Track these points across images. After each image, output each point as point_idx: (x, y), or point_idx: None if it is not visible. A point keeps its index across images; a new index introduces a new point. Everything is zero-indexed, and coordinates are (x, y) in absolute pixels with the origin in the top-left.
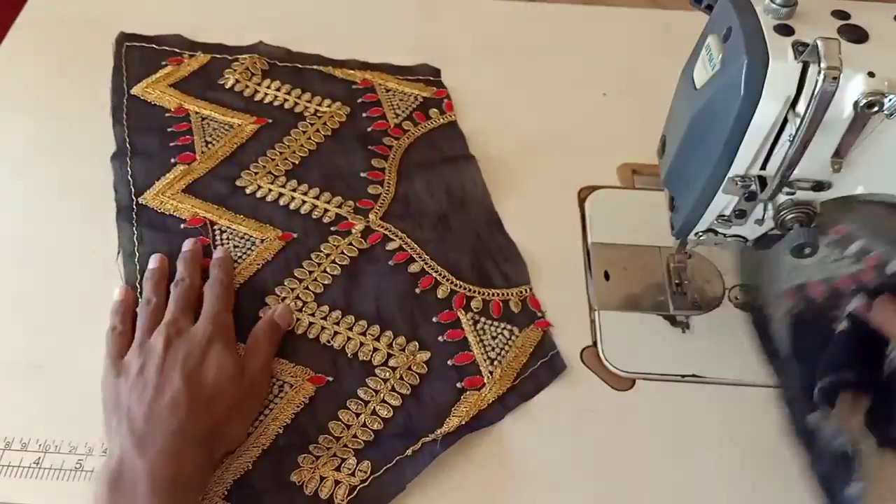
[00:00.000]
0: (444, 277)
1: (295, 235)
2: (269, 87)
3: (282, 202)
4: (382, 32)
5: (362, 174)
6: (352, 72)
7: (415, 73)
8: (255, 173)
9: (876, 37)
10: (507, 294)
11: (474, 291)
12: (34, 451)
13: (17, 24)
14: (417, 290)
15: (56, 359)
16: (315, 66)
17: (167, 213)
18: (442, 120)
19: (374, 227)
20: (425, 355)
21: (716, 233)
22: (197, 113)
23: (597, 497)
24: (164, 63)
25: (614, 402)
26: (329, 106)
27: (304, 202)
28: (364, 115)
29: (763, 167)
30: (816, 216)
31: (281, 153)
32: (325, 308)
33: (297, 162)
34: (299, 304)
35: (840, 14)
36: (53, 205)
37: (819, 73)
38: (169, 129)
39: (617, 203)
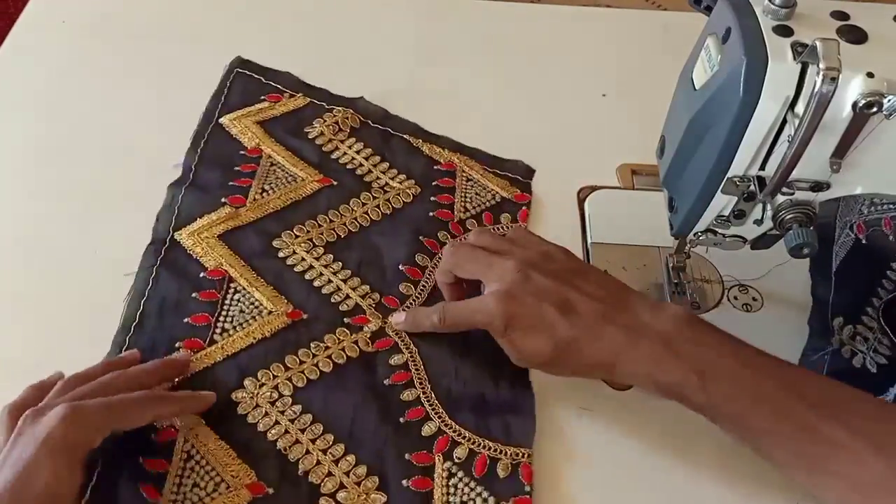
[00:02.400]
0: (436, 413)
1: (304, 316)
2: (350, 147)
3: (308, 276)
4: (382, 32)
5: (401, 267)
6: (440, 150)
7: (505, 168)
8: (297, 237)
9: (875, 37)
10: (501, 452)
11: (463, 437)
12: None
13: (18, 25)
14: (402, 420)
15: (56, 359)
16: (405, 135)
17: (195, 255)
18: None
19: (387, 332)
20: (381, 498)
21: (715, 233)
22: (269, 157)
23: (597, 497)
24: (262, 97)
25: (614, 401)
26: (402, 182)
27: (330, 281)
28: (432, 198)
29: (762, 168)
30: (816, 216)
31: (331, 221)
32: (298, 408)
33: (342, 234)
34: (275, 395)
35: (839, 15)
36: (53, 205)
37: (818, 73)
38: (236, 167)
39: (617, 203)
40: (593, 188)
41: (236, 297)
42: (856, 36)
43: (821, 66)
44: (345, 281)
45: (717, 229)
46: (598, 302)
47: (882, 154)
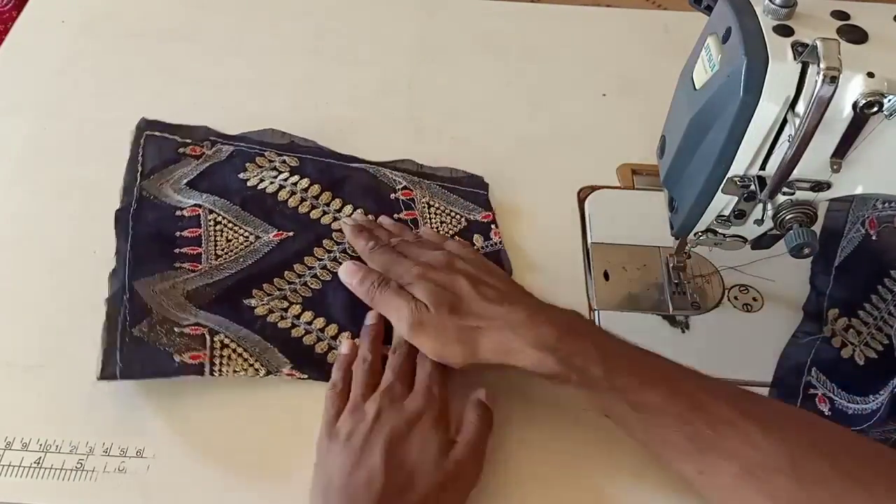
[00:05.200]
0: None
1: (299, 375)
2: (296, 186)
3: (294, 334)
4: (382, 32)
5: None
6: (392, 177)
7: (464, 184)
8: (269, 294)
9: (875, 37)
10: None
11: None
12: (34, 451)
13: (18, 25)
14: None
15: (56, 359)
16: (351, 164)
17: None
18: (486, 248)
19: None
20: None
21: (715, 233)
22: (211, 217)
23: (597, 497)
24: (182, 153)
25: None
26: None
27: (319, 340)
28: None
29: (762, 167)
30: (816, 216)
31: (300, 276)
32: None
33: (317, 288)
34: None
35: (839, 14)
36: (53, 205)
37: (818, 73)
38: (177, 234)
39: (617, 203)
40: (593, 188)
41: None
42: (856, 36)
43: (821, 65)
44: (334, 337)
45: (717, 229)
46: (506, 289)
47: (882, 154)
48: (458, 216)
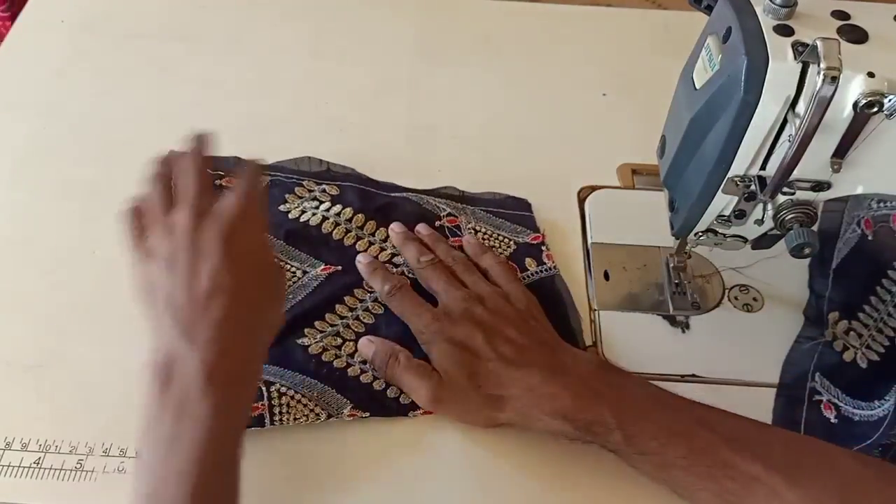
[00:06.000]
0: None
1: (361, 414)
2: (339, 216)
3: (351, 373)
4: (382, 32)
5: None
6: (436, 204)
7: (507, 207)
8: (321, 332)
9: (876, 37)
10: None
11: None
12: (34, 451)
13: (18, 24)
14: None
15: (56, 359)
16: (393, 194)
17: None
18: (541, 273)
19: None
20: None
21: (715, 233)
22: None
23: (596, 496)
24: (218, 184)
25: None
26: None
27: (375, 378)
28: None
29: (763, 167)
30: (817, 216)
31: (351, 310)
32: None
33: (369, 322)
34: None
35: (840, 14)
36: (53, 205)
37: (819, 73)
38: None
39: (617, 203)
40: (593, 188)
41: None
42: (856, 35)
43: (821, 65)
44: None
45: (717, 229)
46: (522, 342)
47: (883, 154)
48: (506, 239)
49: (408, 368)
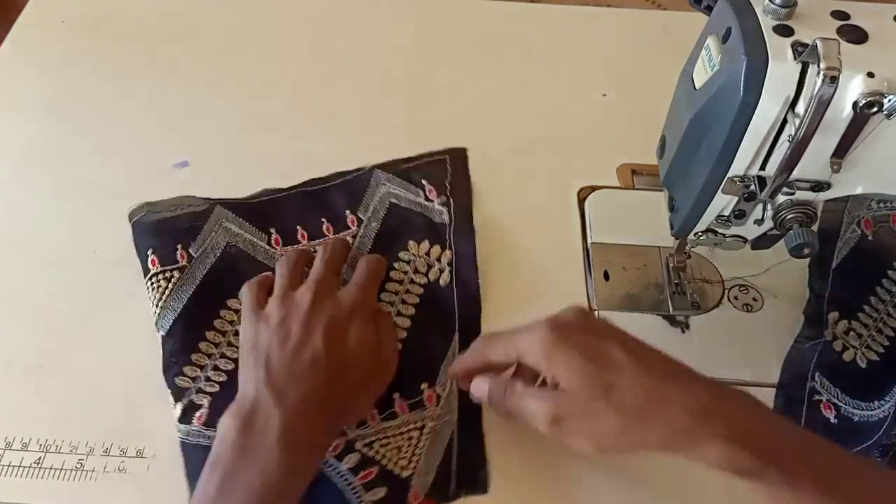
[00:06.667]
0: None
1: None
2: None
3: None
4: (382, 32)
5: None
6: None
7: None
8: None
9: (875, 37)
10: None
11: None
12: (34, 451)
13: (18, 24)
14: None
15: (56, 359)
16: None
17: None
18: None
19: None
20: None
21: (715, 233)
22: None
23: (596, 497)
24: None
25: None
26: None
27: None
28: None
29: (762, 167)
30: (816, 216)
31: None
32: None
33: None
34: None
35: (840, 14)
36: (53, 205)
37: (818, 73)
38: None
39: (617, 203)
40: (593, 188)
41: None
42: (856, 36)
43: (821, 65)
44: None
45: (717, 229)
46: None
47: (882, 154)
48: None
49: (526, 392)
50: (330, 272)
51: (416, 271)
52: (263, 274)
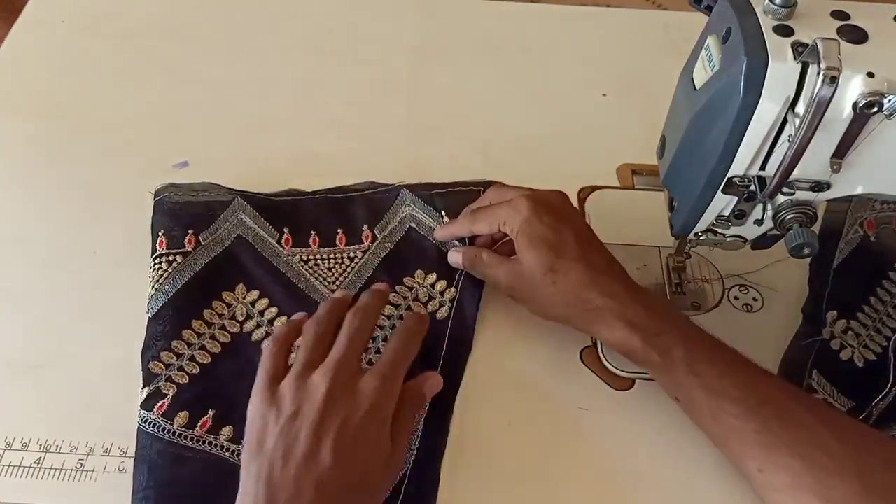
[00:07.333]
0: None
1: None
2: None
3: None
4: (382, 32)
5: None
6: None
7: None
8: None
9: (875, 37)
10: None
11: None
12: (34, 451)
13: (18, 24)
14: None
15: (56, 359)
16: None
17: None
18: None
19: None
20: None
21: (715, 233)
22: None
23: (596, 497)
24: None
25: (613, 401)
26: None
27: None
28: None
29: (762, 167)
30: (816, 216)
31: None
32: None
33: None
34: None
35: (840, 14)
36: (53, 205)
37: (818, 73)
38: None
39: (617, 203)
40: (593, 188)
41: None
42: (856, 36)
43: (821, 65)
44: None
45: (717, 229)
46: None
47: (882, 154)
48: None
49: (490, 262)
50: (353, 353)
51: (415, 299)
52: (294, 321)
